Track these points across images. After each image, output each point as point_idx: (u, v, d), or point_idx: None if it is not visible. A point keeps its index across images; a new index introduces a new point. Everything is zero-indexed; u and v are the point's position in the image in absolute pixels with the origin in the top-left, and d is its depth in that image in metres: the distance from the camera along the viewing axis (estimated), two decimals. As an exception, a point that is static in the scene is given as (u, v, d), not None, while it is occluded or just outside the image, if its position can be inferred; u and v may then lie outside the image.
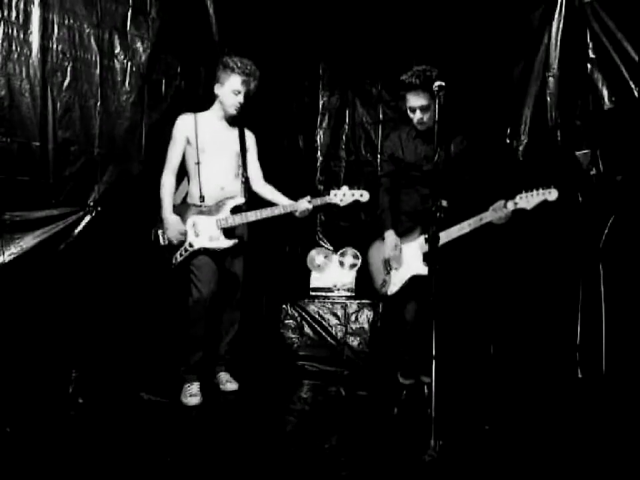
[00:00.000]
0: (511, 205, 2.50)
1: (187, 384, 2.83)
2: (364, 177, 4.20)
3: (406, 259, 2.78)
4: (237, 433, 2.47)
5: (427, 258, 2.67)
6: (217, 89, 2.88)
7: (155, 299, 3.13)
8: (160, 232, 2.86)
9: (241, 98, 2.87)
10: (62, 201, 2.84)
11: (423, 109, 2.66)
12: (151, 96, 3.16)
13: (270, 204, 2.95)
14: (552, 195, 2.42)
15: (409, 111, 2.74)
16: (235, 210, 2.86)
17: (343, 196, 2.90)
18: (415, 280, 2.73)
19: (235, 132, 2.99)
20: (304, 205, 2.85)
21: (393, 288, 2.82)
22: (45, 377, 2.69)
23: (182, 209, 2.87)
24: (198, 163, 2.86)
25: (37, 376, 2.66)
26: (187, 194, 2.96)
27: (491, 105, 3.46)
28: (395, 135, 2.92)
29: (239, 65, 2.82)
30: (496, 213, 2.52)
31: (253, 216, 2.85)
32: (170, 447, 2.25)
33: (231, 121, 2.97)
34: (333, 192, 2.91)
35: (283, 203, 2.92)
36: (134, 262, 3.03)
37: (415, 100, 2.65)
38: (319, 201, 2.89)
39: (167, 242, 2.84)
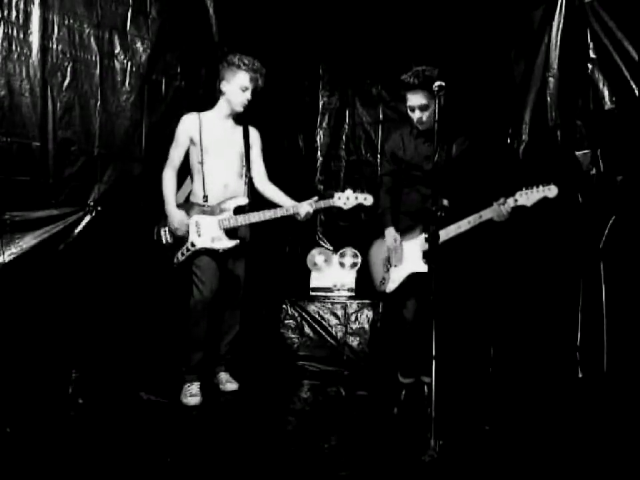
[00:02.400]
0: (511, 202, 2.50)
1: (187, 384, 2.83)
2: (364, 177, 4.20)
3: (406, 256, 2.78)
4: (237, 433, 2.47)
5: (426, 256, 2.67)
6: (224, 86, 2.86)
7: (155, 299, 3.13)
8: (163, 230, 2.86)
9: (248, 95, 2.86)
10: (62, 201, 2.84)
11: (422, 108, 2.67)
12: (150, 96, 3.16)
13: (271, 203, 2.94)
14: (552, 191, 2.43)
15: (408, 111, 2.75)
16: (238, 210, 2.85)
17: (346, 199, 2.86)
18: (413, 277, 2.73)
19: (239, 131, 2.97)
20: (307, 207, 2.83)
21: (391, 285, 2.82)
22: (45, 377, 2.69)
23: (185, 208, 2.87)
24: (201, 162, 2.85)
25: (37, 376, 2.66)
26: (190, 193, 2.96)
27: (491, 105, 3.45)
28: (397, 134, 2.92)
29: (246, 62, 2.82)
30: (496, 210, 2.53)
31: (255, 217, 2.83)
32: (170, 446, 2.25)
33: (236, 119, 2.96)
34: (337, 195, 2.87)
35: (285, 203, 2.91)
36: (134, 262, 3.03)
37: (414, 99, 2.66)
38: (322, 204, 2.87)
39: (169, 241, 2.84)
